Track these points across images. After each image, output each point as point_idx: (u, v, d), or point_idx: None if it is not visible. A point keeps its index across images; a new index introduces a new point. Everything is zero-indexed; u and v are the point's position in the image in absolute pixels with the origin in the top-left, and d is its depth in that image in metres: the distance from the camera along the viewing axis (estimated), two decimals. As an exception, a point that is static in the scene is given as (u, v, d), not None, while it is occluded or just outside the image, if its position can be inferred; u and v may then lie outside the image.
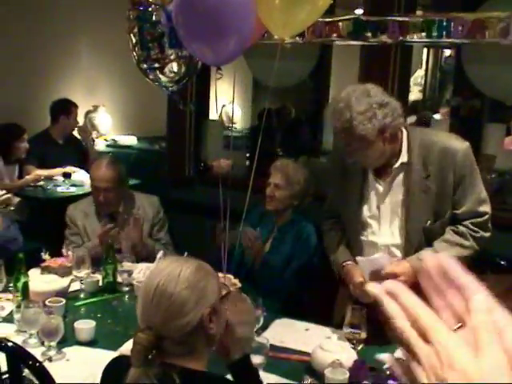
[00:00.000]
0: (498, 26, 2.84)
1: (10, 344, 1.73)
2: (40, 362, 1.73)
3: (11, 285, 2.41)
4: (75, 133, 4.95)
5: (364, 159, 2.11)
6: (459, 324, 0.51)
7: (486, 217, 2.11)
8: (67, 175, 4.53)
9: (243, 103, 7.10)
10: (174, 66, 2.49)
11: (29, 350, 1.80)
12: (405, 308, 0.52)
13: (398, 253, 2.18)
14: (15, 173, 4.35)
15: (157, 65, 2.46)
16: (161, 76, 2.50)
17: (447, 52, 7.89)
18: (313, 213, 2.78)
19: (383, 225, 2.19)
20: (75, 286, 2.60)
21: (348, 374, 1.81)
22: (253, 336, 1.67)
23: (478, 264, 1.87)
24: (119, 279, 2.66)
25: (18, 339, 2.02)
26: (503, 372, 0.46)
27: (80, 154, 4.81)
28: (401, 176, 2.14)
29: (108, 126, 5.73)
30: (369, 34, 3.17)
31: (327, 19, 3.24)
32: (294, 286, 2.75)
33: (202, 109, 4.29)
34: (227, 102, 6.36)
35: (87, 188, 3.80)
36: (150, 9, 2.43)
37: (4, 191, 3.08)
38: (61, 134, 4.73)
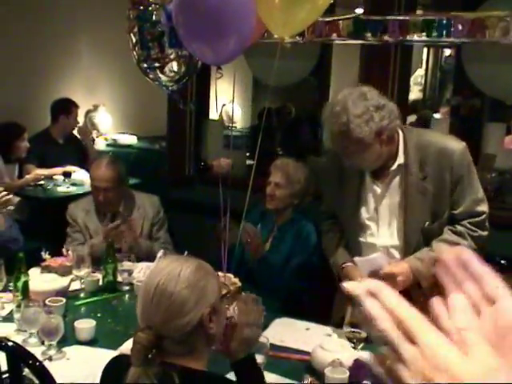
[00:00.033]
0: (498, 26, 2.84)
1: (10, 343, 1.73)
2: (40, 362, 1.73)
3: (11, 284, 2.42)
4: (75, 132, 4.95)
5: (361, 162, 2.10)
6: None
7: (484, 216, 2.11)
8: (67, 175, 4.52)
9: (243, 102, 7.09)
10: (174, 66, 2.49)
11: (29, 349, 1.80)
12: (388, 308, 0.51)
13: (397, 254, 2.18)
14: (15, 172, 4.34)
15: (157, 64, 2.46)
16: (161, 75, 2.49)
17: (447, 51, 7.88)
18: (313, 212, 2.78)
19: (381, 226, 2.19)
20: (75, 285, 2.60)
21: (348, 374, 1.81)
22: (259, 338, 1.67)
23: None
24: (119, 278, 2.66)
25: (18, 338, 2.02)
26: (491, 372, 0.46)
27: (80, 153, 4.81)
28: (398, 178, 2.14)
29: (108, 125, 5.72)
30: (369, 34, 3.17)
31: (327, 18, 3.23)
32: (294, 285, 2.75)
33: (202, 108, 4.29)
34: (227, 101, 6.34)
35: (87, 187, 3.80)
36: (150, 8, 2.43)
37: (4, 192, 3.07)
38: (61, 133, 4.73)
